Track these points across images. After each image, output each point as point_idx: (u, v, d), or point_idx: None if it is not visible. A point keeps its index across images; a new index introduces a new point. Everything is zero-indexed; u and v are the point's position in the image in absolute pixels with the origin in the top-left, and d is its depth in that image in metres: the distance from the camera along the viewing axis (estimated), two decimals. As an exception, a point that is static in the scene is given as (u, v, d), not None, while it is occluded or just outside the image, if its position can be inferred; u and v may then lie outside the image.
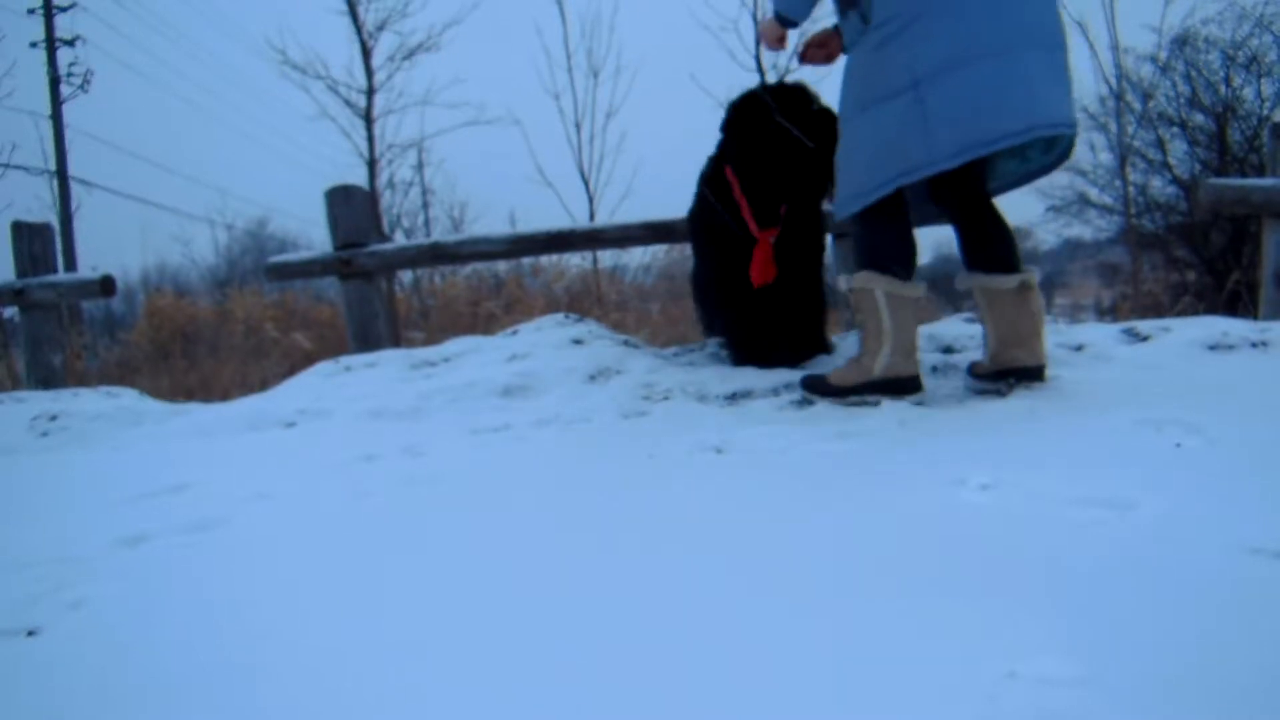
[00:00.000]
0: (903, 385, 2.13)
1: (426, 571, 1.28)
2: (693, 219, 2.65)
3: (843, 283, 2.25)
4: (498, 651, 1.02)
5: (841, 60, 2.25)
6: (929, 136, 1.93)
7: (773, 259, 2.45)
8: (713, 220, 2.48)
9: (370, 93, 9.98)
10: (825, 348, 2.71)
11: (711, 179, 2.56)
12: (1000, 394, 2.18)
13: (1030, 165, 2.22)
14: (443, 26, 10.40)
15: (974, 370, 2.32)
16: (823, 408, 2.17)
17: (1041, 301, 2.20)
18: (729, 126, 2.51)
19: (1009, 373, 2.19)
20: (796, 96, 2.45)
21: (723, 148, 2.55)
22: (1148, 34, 11.38)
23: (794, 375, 2.44)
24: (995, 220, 2.23)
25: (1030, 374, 2.16)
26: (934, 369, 2.48)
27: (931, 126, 1.93)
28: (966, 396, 2.19)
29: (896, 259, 2.14)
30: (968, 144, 1.91)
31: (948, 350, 2.66)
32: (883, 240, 2.15)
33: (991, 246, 2.21)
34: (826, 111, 2.45)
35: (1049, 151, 2.16)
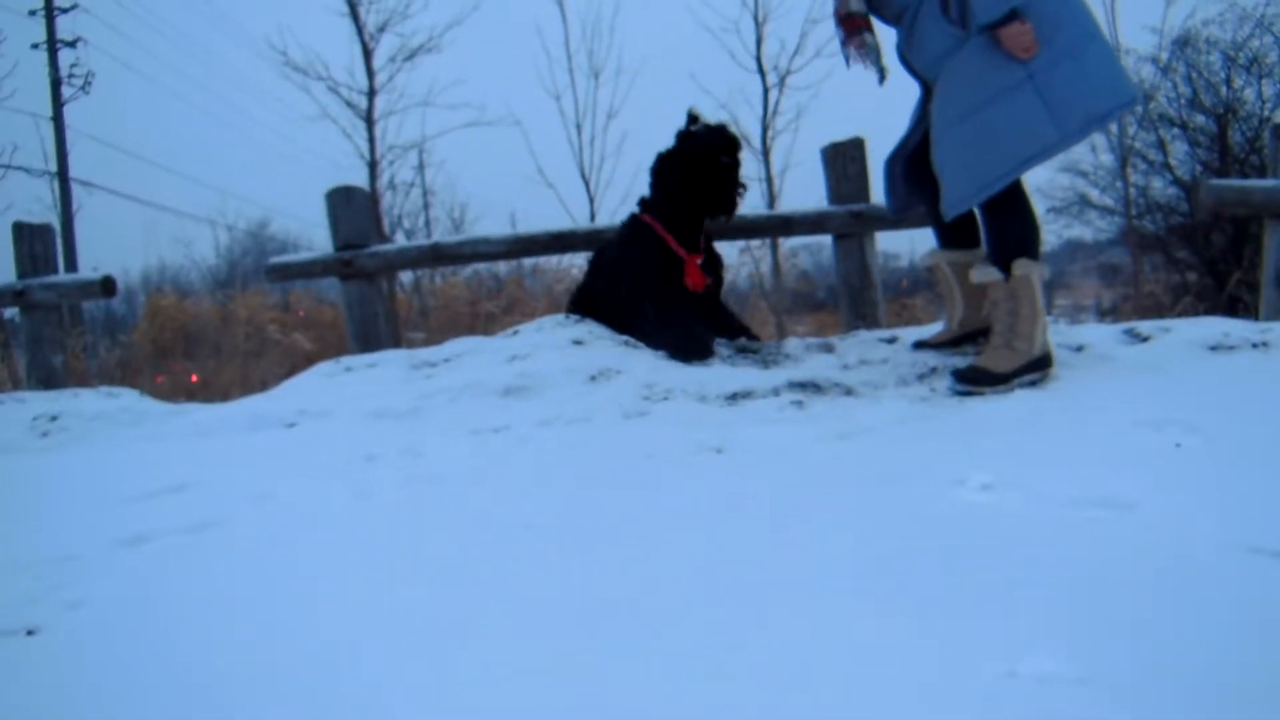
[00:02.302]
0: (1048, 361, 2.28)
1: (427, 571, 1.28)
2: (630, 254, 3.08)
3: (980, 274, 2.37)
4: (496, 646, 1.02)
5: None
6: (1056, 118, 2.16)
7: (701, 272, 3.03)
8: (650, 251, 2.99)
9: (371, 94, 9.97)
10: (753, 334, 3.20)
11: (635, 226, 3.07)
12: (965, 355, 2.49)
13: None
14: (444, 28, 10.36)
15: (929, 345, 2.61)
16: (821, 407, 2.17)
17: None
18: (664, 169, 2.99)
19: (979, 333, 2.55)
20: (724, 134, 2.96)
21: (646, 200, 3.06)
22: (1149, 35, 11.37)
23: (791, 374, 2.44)
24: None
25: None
26: (933, 369, 2.48)
27: (1056, 110, 2.16)
28: (967, 397, 2.19)
29: (1037, 241, 2.34)
30: (1091, 118, 2.19)
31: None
32: (1027, 225, 2.33)
33: (971, 227, 2.54)
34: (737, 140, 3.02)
35: None
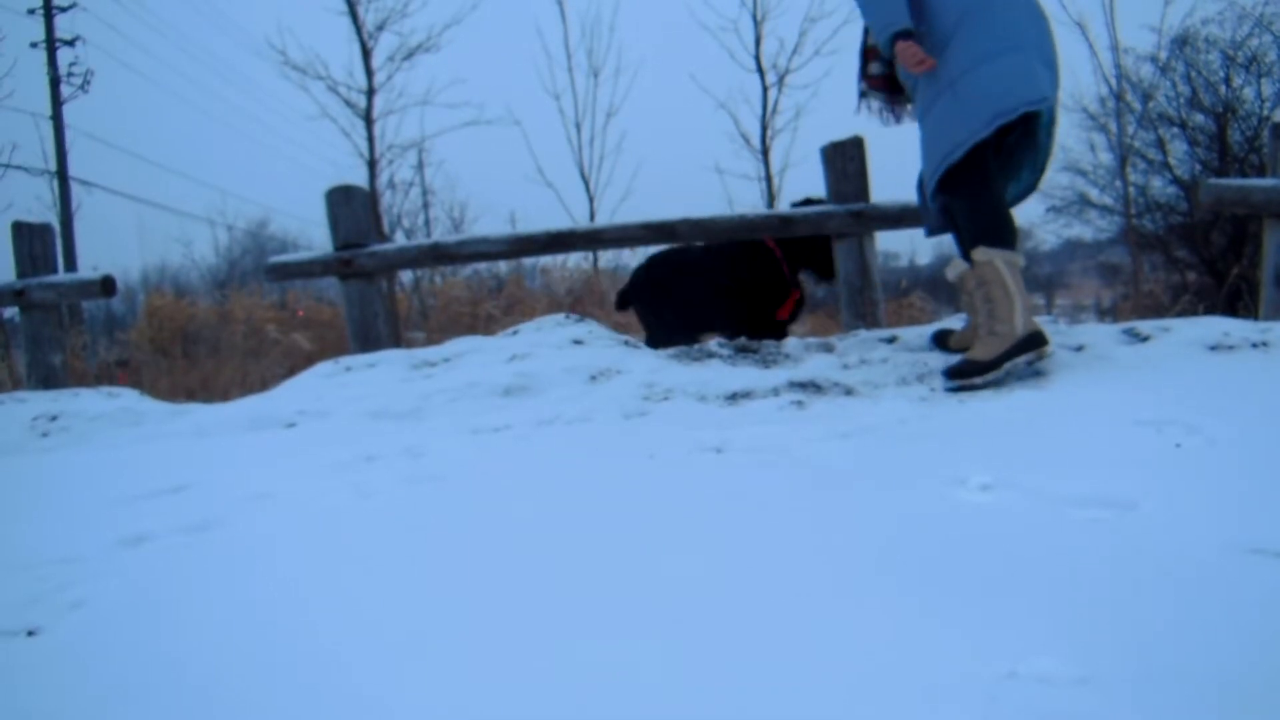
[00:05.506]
0: (1039, 339, 2.27)
1: (428, 571, 1.28)
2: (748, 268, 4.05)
3: (952, 270, 2.47)
4: (496, 647, 1.02)
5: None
6: (966, 116, 2.31)
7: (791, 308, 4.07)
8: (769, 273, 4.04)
9: (370, 93, 9.97)
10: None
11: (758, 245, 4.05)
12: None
13: (1021, 185, 2.61)
14: (443, 27, 10.39)
15: (948, 343, 2.64)
16: (821, 407, 2.17)
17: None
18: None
19: None
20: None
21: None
22: (1148, 34, 11.39)
23: (791, 374, 2.44)
24: None
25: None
26: (933, 370, 2.48)
27: (965, 108, 2.31)
28: (967, 396, 2.19)
29: (1001, 227, 2.38)
30: (997, 112, 2.28)
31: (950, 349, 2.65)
32: (984, 215, 2.38)
33: None
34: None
35: (1034, 170, 2.57)
